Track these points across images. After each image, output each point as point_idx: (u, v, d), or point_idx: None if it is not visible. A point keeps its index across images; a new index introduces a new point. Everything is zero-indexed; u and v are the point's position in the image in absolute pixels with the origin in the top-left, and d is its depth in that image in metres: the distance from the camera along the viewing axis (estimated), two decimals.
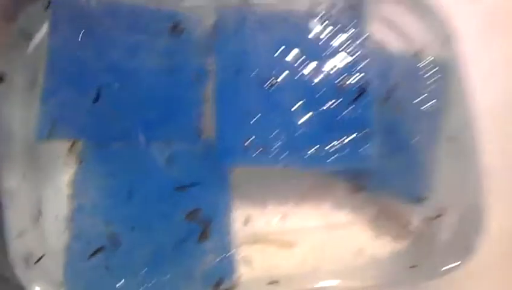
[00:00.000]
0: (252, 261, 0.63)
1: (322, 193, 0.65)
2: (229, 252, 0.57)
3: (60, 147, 0.62)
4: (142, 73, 0.58)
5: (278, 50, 0.58)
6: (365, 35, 0.59)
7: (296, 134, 0.56)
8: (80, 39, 0.57)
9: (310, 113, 0.57)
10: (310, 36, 0.59)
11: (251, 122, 0.56)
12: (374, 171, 0.60)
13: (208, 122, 0.58)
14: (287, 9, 0.60)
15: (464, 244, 0.60)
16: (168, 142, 0.58)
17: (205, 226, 0.57)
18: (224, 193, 0.59)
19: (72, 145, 0.61)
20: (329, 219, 0.65)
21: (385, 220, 0.64)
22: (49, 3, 0.58)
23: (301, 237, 0.64)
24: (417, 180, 0.61)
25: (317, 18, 0.59)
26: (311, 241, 0.64)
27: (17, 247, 0.57)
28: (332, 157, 0.56)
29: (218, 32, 0.59)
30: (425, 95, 0.61)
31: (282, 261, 0.63)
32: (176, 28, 0.59)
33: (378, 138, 0.57)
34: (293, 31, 0.59)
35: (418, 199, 0.60)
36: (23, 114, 0.60)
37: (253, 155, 0.56)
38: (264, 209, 0.65)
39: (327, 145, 0.56)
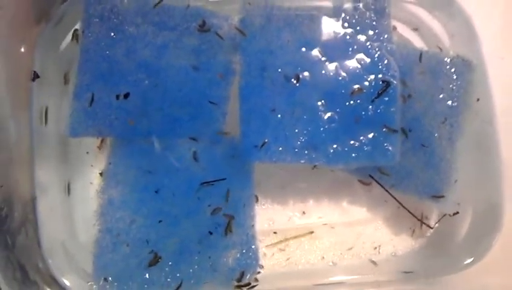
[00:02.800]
0: (273, 256, 0.64)
1: (341, 190, 0.67)
2: (251, 245, 0.59)
3: (90, 143, 0.63)
4: (170, 71, 0.59)
5: (303, 48, 0.59)
6: (389, 33, 0.60)
7: (320, 131, 0.57)
8: (111, 37, 0.58)
9: (334, 110, 0.58)
10: (335, 34, 0.59)
11: (275, 120, 0.57)
12: (393, 168, 0.60)
13: (233, 119, 0.59)
14: (313, 6, 0.62)
15: (480, 240, 0.62)
16: (194, 139, 0.59)
17: (229, 220, 0.58)
18: (247, 188, 0.60)
19: (101, 142, 0.63)
20: (348, 216, 0.66)
21: (403, 217, 0.65)
22: None
23: (321, 233, 0.65)
24: (436, 177, 0.61)
25: (343, 15, 0.60)
26: (331, 237, 0.65)
27: (49, 239, 0.59)
28: (356, 154, 0.57)
29: (244, 30, 0.59)
30: (448, 92, 0.62)
31: (302, 256, 0.65)
32: (204, 25, 0.60)
33: (400, 135, 0.58)
34: (318, 29, 0.60)
35: (436, 196, 0.61)
36: (55, 110, 0.62)
37: (277, 152, 0.57)
38: (285, 206, 0.66)
39: (350, 142, 0.57)
